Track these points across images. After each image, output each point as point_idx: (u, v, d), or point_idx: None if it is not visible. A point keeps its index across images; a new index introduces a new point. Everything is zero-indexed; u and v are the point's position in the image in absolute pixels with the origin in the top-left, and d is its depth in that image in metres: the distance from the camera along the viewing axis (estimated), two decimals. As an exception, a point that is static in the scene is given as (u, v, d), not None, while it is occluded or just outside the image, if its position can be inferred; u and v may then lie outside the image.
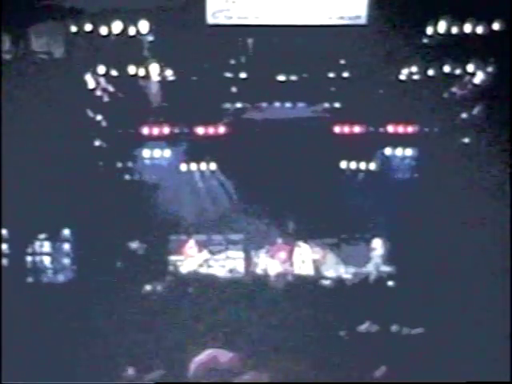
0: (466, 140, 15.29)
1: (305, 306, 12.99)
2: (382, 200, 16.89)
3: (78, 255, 15.07)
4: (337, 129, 16.48)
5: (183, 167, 17.06)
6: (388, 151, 16.82)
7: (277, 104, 16.09)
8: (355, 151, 16.73)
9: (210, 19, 12.71)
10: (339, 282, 15.93)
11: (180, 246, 16.92)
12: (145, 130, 16.15)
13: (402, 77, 14.51)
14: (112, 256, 15.55)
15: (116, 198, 15.11)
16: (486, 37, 12.67)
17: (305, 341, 9.59)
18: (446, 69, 13.92)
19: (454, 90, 14.68)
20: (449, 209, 14.42)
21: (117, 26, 12.69)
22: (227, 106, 16.05)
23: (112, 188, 15.17)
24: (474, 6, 12.32)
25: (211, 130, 16.39)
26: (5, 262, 14.31)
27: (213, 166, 17.11)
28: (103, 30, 12.71)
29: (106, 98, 14.82)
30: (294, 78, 14.81)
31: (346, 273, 16.54)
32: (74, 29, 12.73)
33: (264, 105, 16.21)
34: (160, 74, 14.31)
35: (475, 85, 14.15)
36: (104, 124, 15.44)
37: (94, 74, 14.20)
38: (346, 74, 14.67)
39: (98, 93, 14.63)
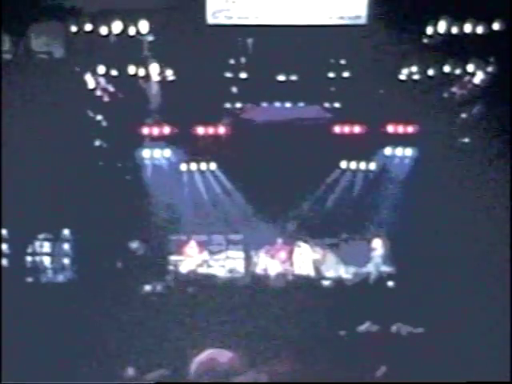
0: (466, 140, 15.29)
1: (305, 306, 13.00)
2: (382, 200, 16.90)
3: (78, 255, 15.07)
4: (337, 129, 16.48)
5: (183, 167, 17.06)
6: (388, 151, 16.82)
7: (277, 104, 16.09)
8: (355, 151, 16.73)
9: (210, 19, 12.71)
10: (339, 282, 15.93)
11: (180, 246, 16.90)
12: (145, 130, 16.15)
13: (402, 77, 14.51)
14: (112, 256, 15.55)
15: (116, 198, 15.10)
16: (485, 37, 12.68)
17: (305, 341, 9.59)
18: (446, 69, 13.92)
19: (453, 89, 14.69)
20: (449, 209, 14.42)
21: (117, 26, 12.69)
22: (227, 105, 16.06)
23: (112, 188, 15.16)
24: (474, 6, 12.32)
25: (211, 130, 16.39)
26: (5, 262, 14.32)
27: (213, 165, 17.11)
28: (103, 30, 12.71)
29: (106, 98, 14.82)
30: (293, 77, 14.81)
31: (345, 273, 16.52)
32: (74, 29, 12.74)
33: (264, 105, 16.21)
34: (160, 74, 14.31)
35: (475, 85, 14.15)
36: (104, 124, 15.45)
37: (94, 74, 14.20)
38: (346, 74, 14.67)
39: (98, 93, 14.63)
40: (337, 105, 15.93)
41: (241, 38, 13.80)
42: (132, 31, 12.75)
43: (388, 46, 13.03)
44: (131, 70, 13.93)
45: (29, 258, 15.04)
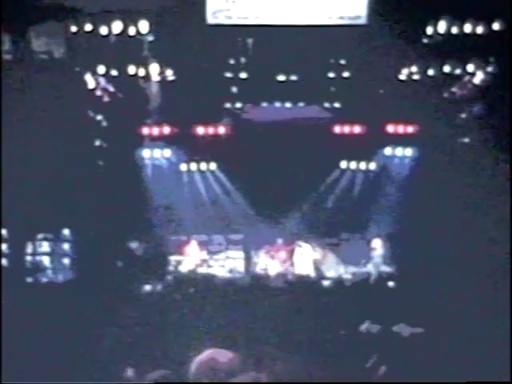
0: (466, 140, 15.29)
1: (305, 306, 12.99)
2: (382, 200, 16.91)
3: (78, 255, 15.07)
4: (337, 129, 16.50)
5: (183, 167, 17.08)
6: (388, 151, 16.84)
7: (277, 104, 16.10)
8: (355, 151, 16.74)
9: (210, 19, 12.71)
10: (339, 282, 15.93)
11: (180, 246, 16.91)
12: (145, 130, 16.16)
13: (402, 77, 14.51)
14: (112, 256, 15.55)
15: (116, 198, 15.10)
16: (486, 37, 12.68)
17: (305, 341, 9.59)
18: (446, 69, 13.93)
19: (453, 89, 14.69)
20: (449, 208, 14.42)
21: (117, 26, 12.69)
22: (227, 105, 16.06)
23: (112, 188, 15.16)
24: (474, 5, 12.32)
25: (211, 130, 16.41)
26: (4, 262, 14.32)
27: (213, 165, 17.12)
28: (103, 30, 12.72)
29: (106, 98, 14.83)
30: (294, 77, 14.81)
31: (345, 273, 16.53)
32: (73, 29, 12.74)
33: (264, 105, 16.21)
34: (160, 74, 14.31)
35: (475, 85, 14.16)
36: (104, 124, 15.45)
37: (94, 74, 14.21)
38: (346, 74, 14.68)
39: (98, 93, 14.64)
40: (337, 105, 15.94)
41: (241, 38, 13.80)
42: (132, 31, 12.76)
43: (388, 46, 13.03)
44: (131, 69, 13.94)
45: (29, 258, 15.04)
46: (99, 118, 15.29)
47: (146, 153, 16.64)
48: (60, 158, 13.69)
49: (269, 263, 16.71)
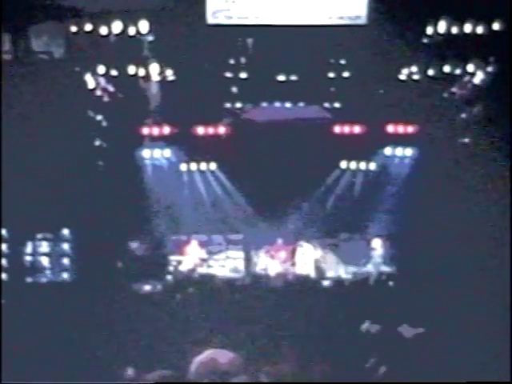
0: (466, 140, 15.29)
1: (304, 306, 12.98)
2: (382, 200, 16.91)
3: (78, 255, 15.06)
4: (337, 129, 16.50)
5: (183, 167, 17.08)
6: (388, 151, 16.84)
7: (277, 104, 16.10)
8: (355, 151, 16.74)
9: (210, 19, 12.71)
10: (339, 282, 15.92)
11: (180, 246, 16.92)
12: (145, 130, 16.17)
13: (402, 77, 14.51)
14: (112, 256, 15.54)
15: (116, 198, 15.09)
16: (486, 37, 12.67)
17: (304, 341, 9.58)
18: (446, 69, 13.92)
19: (453, 89, 14.69)
20: (449, 208, 14.42)
21: (117, 26, 12.69)
22: (227, 105, 16.06)
23: (112, 188, 15.15)
24: (474, 5, 12.32)
25: (211, 130, 16.41)
26: (4, 262, 14.32)
27: (213, 165, 17.13)
28: (103, 30, 12.72)
29: (106, 98, 14.83)
30: (294, 77, 14.81)
31: (345, 273, 16.54)
32: (74, 29, 12.74)
33: (264, 105, 16.21)
34: (160, 74, 14.31)
35: (475, 85, 14.15)
36: (104, 124, 15.45)
37: (94, 74, 14.20)
38: (346, 74, 14.68)
39: (98, 93, 14.63)
40: (337, 105, 15.95)
41: (241, 38, 13.81)
42: (132, 31, 12.75)
43: (388, 46, 13.03)
44: (131, 69, 13.93)
45: (28, 258, 15.03)
46: (99, 118, 15.28)
47: (145, 153, 16.64)
48: (60, 157, 13.68)
49: (269, 263, 16.71)
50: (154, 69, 14.07)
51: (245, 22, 12.78)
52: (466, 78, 14.28)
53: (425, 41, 13.23)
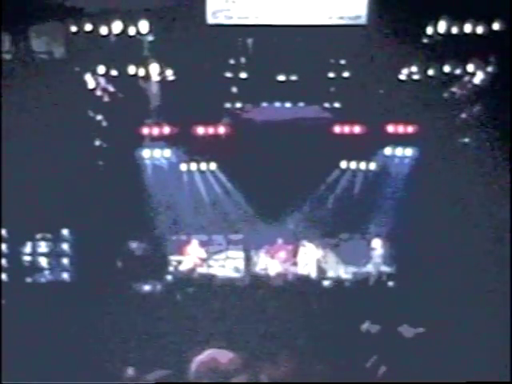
0: (466, 140, 15.29)
1: (304, 306, 12.99)
2: (382, 200, 16.90)
3: (78, 255, 15.06)
4: (337, 129, 16.49)
5: (183, 167, 17.07)
6: (388, 151, 16.83)
7: (277, 104, 16.09)
8: (355, 151, 16.73)
9: (210, 19, 12.70)
10: (339, 282, 15.93)
11: (180, 246, 16.92)
12: (145, 130, 16.16)
13: (402, 77, 14.51)
14: (112, 256, 15.54)
15: (116, 197, 15.09)
16: (486, 37, 12.67)
17: (304, 340, 9.58)
18: (446, 69, 13.92)
19: (453, 89, 14.69)
20: (449, 209, 14.42)
21: (117, 26, 12.69)
22: (227, 105, 16.05)
23: (112, 188, 15.15)
24: (474, 5, 12.31)
25: (211, 130, 16.40)
26: (4, 262, 14.32)
27: (213, 165, 17.12)
28: (103, 30, 12.71)
29: (106, 98, 14.83)
30: (294, 77, 14.81)
31: (345, 273, 16.54)
32: (73, 29, 12.73)
33: (264, 105, 16.21)
34: (160, 74, 14.31)
35: (475, 85, 14.15)
36: (104, 124, 15.44)
37: (94, 74, 14.20)
38: (346, 74, 14.67)
39: (98, 93, 14.63)
40: (337, 105, 15.93)
41: (241, 38, 13.80)
42: (132, 31, 12.75)
43: (388, 46, 13.01)
44: (131, 70, 13.93)
45: (28, 258, 15.03)
46: (99, 117, 15.28)
47: (146, 153, 16.64)
48: (60, 157, 13.68)
49: (269, 263, 16.71)
50: (154, 69, 14.07)
51: (245, 21, 12.77)
52: (466, 78, 14.27)
53: (425, 41, 13.22)
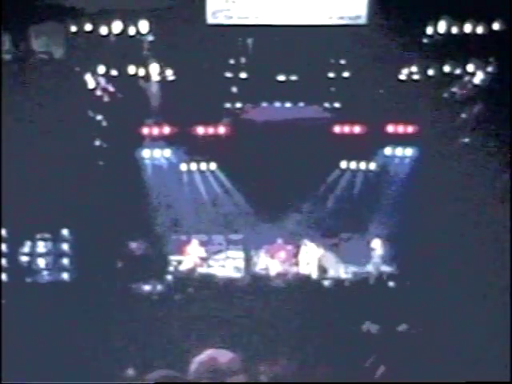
0: (466, 140, 15.29)
1: (304, 306, 12.99)
2: (382, 200, 16.90)
3: (78, 255, 15.06)
4: (337, 129, 16.49)
5: (183, 167, 17.07)
6: (388, 151, 16.83)
7: (277, 104, 16.09)
8: (355, 151, 16.74)
9: (210, 19, 12.70)
10: (339, 282, 15.92)
11: (180, 246, 16.91)
12: (145, 130, 16.16)
13: (402, 77, 14.51)
14: (112, 256, 15.54)
15: (116, 197, 15.09)
16: (486, 37, 12.67)
17: (304, 340, 9.59)
18: (446, 69, 13.92)
19: (454, 89, 14.68)
20: (449, 209, 14.42)
21: (117, 26, 12.68)
22: (227, 105, 16.06)
23: (112, 188, 15.15)
24: (474, 5, 12.31)
25: (211, 130, 16.40)
26: (4, 262, 14.31)
27: (213, 165, 17.12)
28: (103, 30, 12.71)
29: (106, 98, 14.83)
30: (294, 77, 14.81)
31: (345, 273, 16.53)
32: (73, 29, 12.73)
33: (264, 105, 16.21)
34: (160, 74, 14.31)
35: (475, 85, 14.15)
36: (104, 124, 15.44)
37: (94, 74, 14.20)
38: (346, 74, 14.67)
39: (98, 93, 14.63)
40: (337, 105, 15.94)
41: (241, 38, 13.80)
42: (132, 31, 12.75)
43: (388, 46, 13.01)
44: (131, 69, 13.93)
45: (28, 258, 15.02)
46: (99, 117, 15.28)
47: (145, 153, 16.64)
48: (60, 157, 13.68)
49: (269, 263, 16.71)
50: (154, 69, 14.07)
51: (245, 21, 12.76)
52: (466, 78, 14.27)
53: (425, 41, 13.22)
